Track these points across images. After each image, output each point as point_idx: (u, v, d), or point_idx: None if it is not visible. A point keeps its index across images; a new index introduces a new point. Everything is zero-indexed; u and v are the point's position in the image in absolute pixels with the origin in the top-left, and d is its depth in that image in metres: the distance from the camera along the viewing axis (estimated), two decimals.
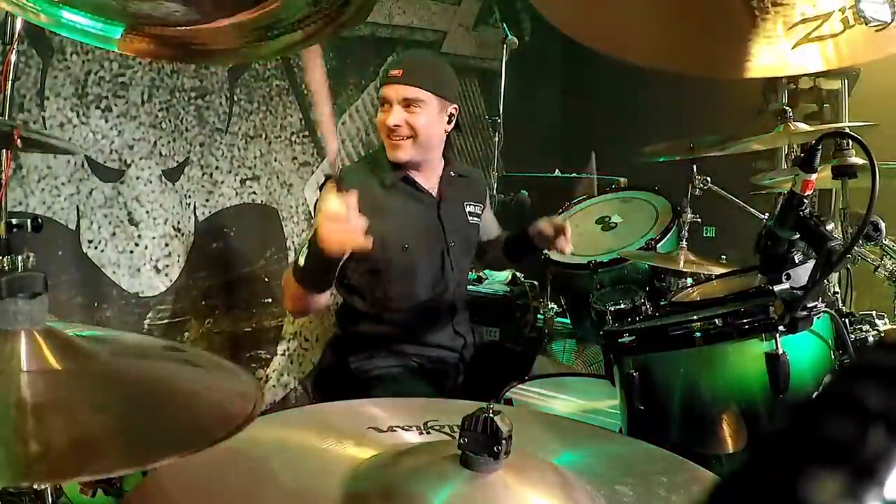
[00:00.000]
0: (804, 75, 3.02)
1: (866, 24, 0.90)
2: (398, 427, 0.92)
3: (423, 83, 1.86)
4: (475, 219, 2.12)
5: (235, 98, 2.71)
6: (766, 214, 2.32)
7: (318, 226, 1.46)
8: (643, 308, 2.24)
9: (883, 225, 1.36)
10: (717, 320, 1.18)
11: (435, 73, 1.90)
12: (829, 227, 1.12)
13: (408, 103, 1.84)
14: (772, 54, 0.87)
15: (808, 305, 1.13)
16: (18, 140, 0.83)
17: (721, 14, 0.88)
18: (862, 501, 0.20)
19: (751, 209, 2.54)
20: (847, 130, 1.48)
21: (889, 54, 0.90)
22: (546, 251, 2.18)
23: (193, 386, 0.73)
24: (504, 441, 0.72)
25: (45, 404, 0.60)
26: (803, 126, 2.25)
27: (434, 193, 2.00)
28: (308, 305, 1.68)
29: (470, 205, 2.10)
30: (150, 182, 2.42)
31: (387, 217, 1.84)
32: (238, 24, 0.75)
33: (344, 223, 1.40)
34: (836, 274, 1.74)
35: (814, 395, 0.24)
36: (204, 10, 0.73)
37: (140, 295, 2.40)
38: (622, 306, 2.26)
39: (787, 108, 2.27)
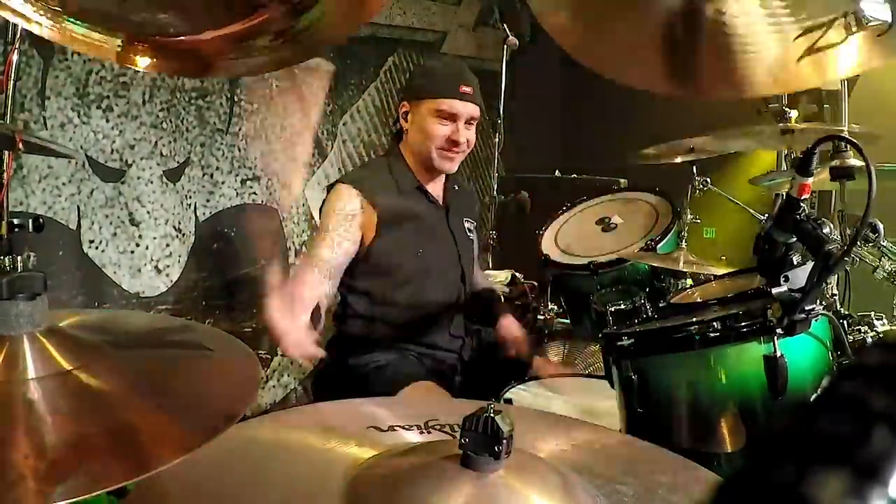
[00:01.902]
0: None
1: (867, 24, 0.90)
2: (399, 426, 0.92)
3: (481, 103, 1.91)
4: (472, 235, 2.13)
5: (236, 98, 2.71)
6: (766, 216, 2.32)
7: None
8: (643, 309, 2.24)
9: (881, 226, 1.36)
10: (715, 323, 1.18)
11: (479, 89, 1.93)
12: (827, 229, 1.12)
13: (470, 120, 1.88)
14: (777, 70, 0.88)
15: (807, 308, 1.13)
16: (21, 144, 0.83)
17: (720, 37, 0.88)
18: (866, 501, 0.20)
19: (751, 210, 2.54)
20: (844, 135, 1.48)
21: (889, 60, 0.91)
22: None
23: (198, 376, 0.73)
24: (505, 441, 0.72)
25: (56, 413, 0.59)
26: (802, 127, 2.25)
27: (441, 203, 2.01)
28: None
29: (467, 220, 2.11)
30: (151, 182, 2.42)
31: (403, 222, 1.86)
32: (229, 37, 0.75)
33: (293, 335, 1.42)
34: (835, 275, 1.74)
35: (816, 395, 0.24)
36: (195, 23, 0.74)
37: (141, 295, 2.40)
38: (622, 307, 2.26)
39: (786, 109, 2.27)
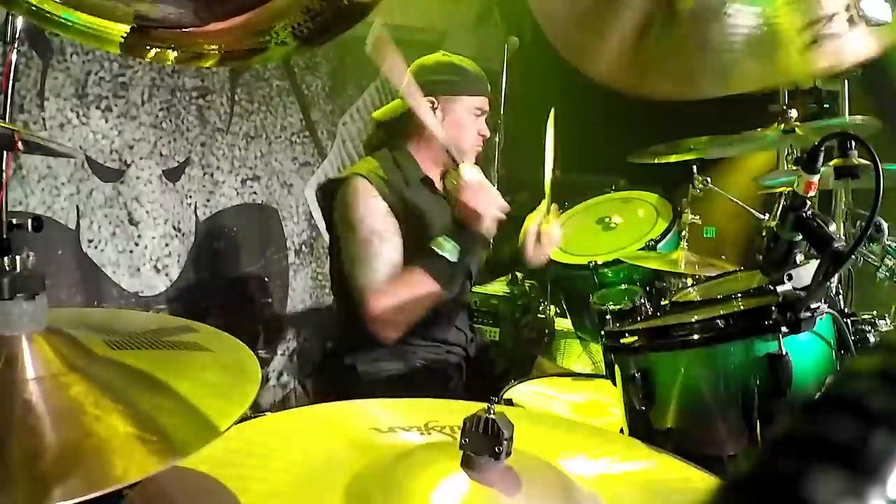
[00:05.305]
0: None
1: (867, 24, 0.90)
2: (399, 428, 0.92)
3: None
4: None
5: (236, 98, 2.71)
6: (767, 215, 2.32)
7: (464, 204, 1.73)
8: (643, 308, 2.24)
9: (885, 225, 1.36)
10: (719, 321, 1.18)
11: None
12: (832, 228, 1.12)
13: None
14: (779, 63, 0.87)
15: (812, 306, 1.12)
16: (20, 143, 0.83)
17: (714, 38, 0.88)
18: (865, 501, 0.20)
19: (751, 209, 2.54)
20: (850, 132, 1.48)
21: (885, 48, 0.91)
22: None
23: (198, 376, 0.73)
24: (505, 442, 0.72)
25: (55, 413, 0.59)
26: (803, 126, 2.25)
27: (445, 195, 2.03)
28: (414, 316, 1.78)
29: None
30: (151, 182, 2.41)
31: (413, 214, 1.90)
32: (233, 29, 0.75)
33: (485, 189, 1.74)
34: (838, 274, 1.74)
35: (817, 397, 0.24)
36: (198, 15, 0.73)
37: (140, 294, 2.39)
38: (622, 306, 2.26)
39: (786, 109, 2.26)
